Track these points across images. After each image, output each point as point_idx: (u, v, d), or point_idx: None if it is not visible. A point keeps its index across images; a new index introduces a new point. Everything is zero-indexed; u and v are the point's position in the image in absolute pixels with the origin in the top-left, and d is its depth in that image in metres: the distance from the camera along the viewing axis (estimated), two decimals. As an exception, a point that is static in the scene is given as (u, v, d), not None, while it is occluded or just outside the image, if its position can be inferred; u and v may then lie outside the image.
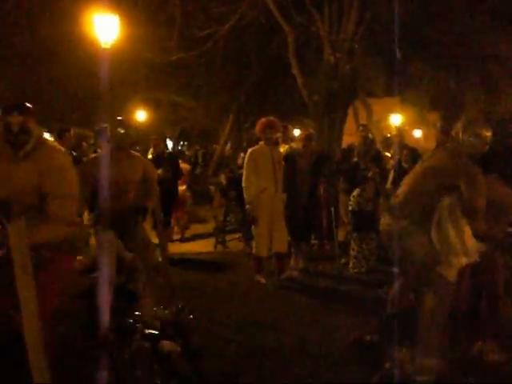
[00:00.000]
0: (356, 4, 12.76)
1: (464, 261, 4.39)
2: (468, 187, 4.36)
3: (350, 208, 8.14)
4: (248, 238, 9.12)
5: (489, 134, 4.60)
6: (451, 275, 4.40)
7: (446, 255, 4.38)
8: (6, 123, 3.84)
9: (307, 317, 6.05)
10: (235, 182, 9.53)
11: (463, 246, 4.36)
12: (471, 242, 4.40)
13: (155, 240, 6.69)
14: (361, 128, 9.07)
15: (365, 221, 7.95)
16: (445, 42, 19.19)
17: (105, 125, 6.13)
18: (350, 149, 9.05)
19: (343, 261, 8.38)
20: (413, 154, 8.04)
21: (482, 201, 4.36)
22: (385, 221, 4.83)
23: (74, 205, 3.97)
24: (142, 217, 5.79)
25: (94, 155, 6.24)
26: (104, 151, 5.54)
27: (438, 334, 4.43)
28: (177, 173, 9.32)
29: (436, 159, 4.68)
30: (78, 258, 4.63)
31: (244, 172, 7.43)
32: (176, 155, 11.80)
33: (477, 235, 4.48)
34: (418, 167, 4.84)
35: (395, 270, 5.57)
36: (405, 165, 7.93)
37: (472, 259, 4.42)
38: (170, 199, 8.76)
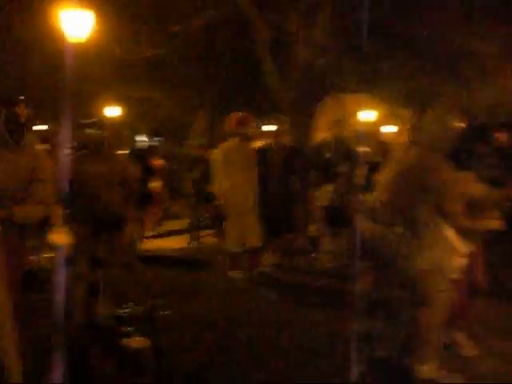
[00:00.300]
0: (328, 0, 12.81)
1: (463, 261, 4.39)
2: (441, 186, 4.26)
3: (322, 203, 8.18)
4: (221, 234, 9.14)
5: (458, 124, 4.56)
6: (446, 283, 4.32)
7: (446, 259, 4.32)
8: (12, 114, 3.96)
9: (280, 312, 6.07)
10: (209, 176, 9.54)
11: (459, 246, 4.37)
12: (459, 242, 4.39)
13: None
14: (334, 124, 9.09)
15: (336, 216, 8.00)
16: (416, 38, 19.38)
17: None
18: (323, 144, 9.09)
19: (315, 255, 8.43)
20: (384, 148, 8.11)
21: (456, 199, 4.27)
22: (368, 220, 4.69)
23: (50, 188, 4.22)
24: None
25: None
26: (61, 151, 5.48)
27: (437, 338, 4.40)
28: (146, 170, 9.26)
29: (409, 158, 4.55)
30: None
31: (215, 168, 7.41)
32: (145, 152, 11.72)
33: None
34: (394, 168, 4.69)
35: (367, 264, 5.62)
36: (377, 159, 8.00)
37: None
38: (140, 196, 8.71)
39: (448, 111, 4.95)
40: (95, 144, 5.61)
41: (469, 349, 4.82)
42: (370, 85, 21.65)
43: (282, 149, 8.19)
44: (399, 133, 13.95)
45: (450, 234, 4.37)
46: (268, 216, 7.93)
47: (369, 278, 5.20)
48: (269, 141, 8.41)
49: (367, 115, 22.26)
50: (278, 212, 8.08)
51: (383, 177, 4.73)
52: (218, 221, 9.00)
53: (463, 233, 4.42)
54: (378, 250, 4.58)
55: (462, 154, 4.72)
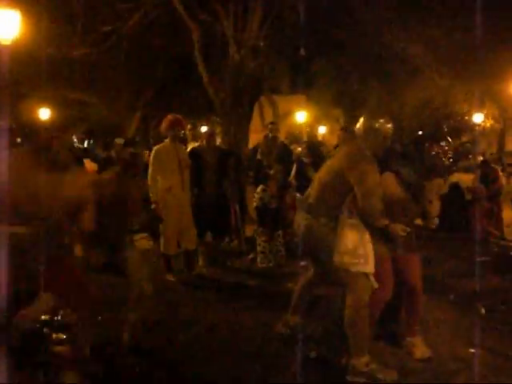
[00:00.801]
0: (260, 2, 12.91)
1: (347, 262, 4.41)
2: (358, 185, 4.41)
3: (255, 204, 8.25)
4: (156, 237, 9.09)
5: (389, 126, 4.66)
6: (368, 270, 4.42)
7: (364, 252, 4.42)
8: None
9: (217, 313, 6.08)
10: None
11: (347, 249, 4.42)
12: (362, 248, 4.44)
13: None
14: (269, 126, 9.14)
15: (269, 217, 8.09)
16: (347, 40, 19.75)
17: None
18: (256, 147, 9.14)
19: (251, 256, 8.48)
20: (314, 148, 8.26)
21: (374, 200, 4.38)
22: (302, 216, 4.77)
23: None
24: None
25: None
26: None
27: (364, 331, 4.45)
28: None
29: (338, 157, 4.72)
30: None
31: (149, 171, 7.35)
32: (79, 155, 11.52)
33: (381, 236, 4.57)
34: (325, 165, 4.87)
35: (303, 264, 5.70)
36: (305, 159, 8.15)
37: (365, 270, 4.42)
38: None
39: (378, 113, 5.08)
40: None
41: (422, 351, 4.87)
42: (304, 86, 21.99)
43: (215, 150, 8.22)
44: (330, 133, 14.23)
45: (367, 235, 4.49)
46: (203, 218, 7.95)
47: (303, 277, 5.27)
48: (202, 142, 8.41)
49: (301, 116, 22.56)
50: (213, 214, 8.11)
51: (317, 175, 4.88)
52: (152, 224, 8.94)
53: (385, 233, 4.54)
54: (307, 243, 4.69)
55: (390, 156, 4.84)
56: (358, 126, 4.79)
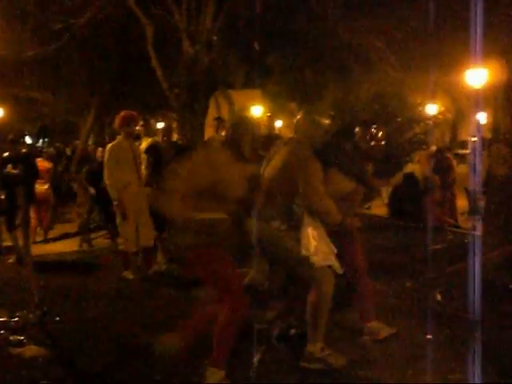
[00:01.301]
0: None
1: (316, 260, 4.44)
2: (304, 184, 4.47)
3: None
4: (114, 235, 9.04)
5: (327, 121, 4.80)
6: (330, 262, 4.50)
7: (320, 246, 4.47)
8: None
9: (178, 310, 6.07)
10: (93, 177, 9.42)
11: (313, 247, 4.45)
12: (323, 243, 4.49)
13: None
14: (214, 122, 9.05)
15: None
16: (301, 33, 19.83)
17: None
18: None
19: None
20: (271, 142, 8.27)
21: (318, 197, 4.46)
22: (251, 221, 4.63)
23: None
24: None
25: None
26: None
27: (324, 321, 4.54)
28: (32, 172, 8.97)
29: (281, 158, 4.71)
30: None
31: (106, 169, 7.26)
32: (31, 154, 11.34)
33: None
34: (268, 166, 4.84)
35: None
36: (263, 153, 8.17)
37: (326, 262, 4.48)
38: (26, 199, 8.45)
39: (321, 109, 5.17)
40: None
41: (384, 332, 5.01)
42: (259, 80, 22.01)
43: (170, 146, 8.20)
44: (287, 126, 14.28)
45: (319, 233, 4.53)
46: (162, 214, 7.92)
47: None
48: (156, 138, 8.39)
49: (257, 110, 22.57)
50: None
51: (265, 172, 4.85)
52: (110, 222, 8.90)
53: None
54: (263, 248, 4.68)
55: (329, 151, 4.89)
56: (297, 120, 4.87)
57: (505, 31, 6.48)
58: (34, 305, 5.70)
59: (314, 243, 4.44)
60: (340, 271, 4.55)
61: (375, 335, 5.01)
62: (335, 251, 4.53)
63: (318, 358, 4.52)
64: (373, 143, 6.95)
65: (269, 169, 4.79)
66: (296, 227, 4.52)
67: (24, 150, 9.77)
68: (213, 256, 4.19)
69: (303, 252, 4.43)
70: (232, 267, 4.24)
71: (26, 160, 8.94)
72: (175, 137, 9.07)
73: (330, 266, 4.51)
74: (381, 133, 8.79)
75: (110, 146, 7.45)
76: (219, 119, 9.14)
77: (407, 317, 5.62)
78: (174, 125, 13.80)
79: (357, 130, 5.61)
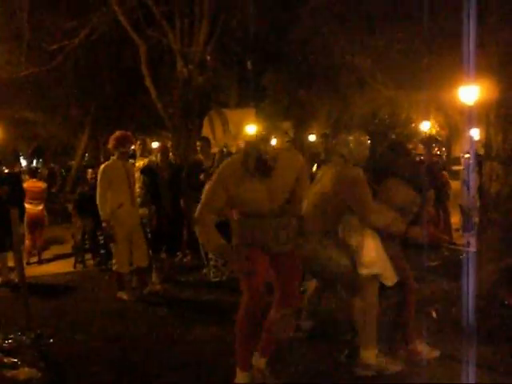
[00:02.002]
0: (206, 17, 12.99)
1: (365, 271, 4.57)
2: (356, 205, 4.58)
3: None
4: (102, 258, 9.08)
5: (367, 138, 4.86)
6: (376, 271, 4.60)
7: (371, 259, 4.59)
8: (262, 160, 4.08)
9: (173, 330, 6.04)
10: (86, 198, 9.44)
11: (362, 258, 4.57)
12: (372, 254, 4.59)
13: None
14: (198, 143, 8.88)
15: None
16: (295, 53, 19.96)
17: None
18: (196, 163, 8.74)
19: (204, 271, 8.44)
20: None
21: (373, 215, 4.56)
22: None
23: None
24: None
25: None
26: None
27: (374, 326, 4.63)
28: (17, 193, 8.94)
29: (329, 180, 4.76)
30: None
31: (98, 189, 7.24)
32: (17, 174, 11.28)
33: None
34: (313, 187, 4.87)
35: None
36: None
37: (373, 271, 4.59)
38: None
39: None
40: None
41: (428, 352, 4.98)
42: (253, 99, 22.09)
43: (167, 166, 8.21)
44: (281, 145, 14.30)
45: (368, 245, 4.63)
46: (161, 234, 7.94)
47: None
48: (154, 158, 8.39)
49: (251, 129, 22.60)
50: (170, 230, 8.11)
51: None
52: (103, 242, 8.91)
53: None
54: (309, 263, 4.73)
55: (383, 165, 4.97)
56: (340, 141, 4.86)
57: (495, 49, 6.53)
58: (27, 327, 5.67)
59: (372, 254, 4.56)
60: (391, 283, 4.65)
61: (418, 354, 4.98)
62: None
63: (372, 364, 4.59)
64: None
65: (315, 190, 4.84)
66: (342, 243, 4.66)
67: (7, 171, 9.70)
68: None
69: (347, 261, 4.56)
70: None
71: (10, 180, 8.94)
72: (170, 156, 9.07)
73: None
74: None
75: (103, 166, 7.44)
76: (204, 140, 8.94)
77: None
78: (169, 144, 13.81)
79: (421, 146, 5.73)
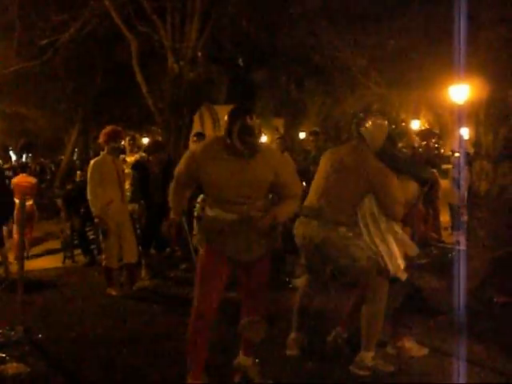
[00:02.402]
0: (198, 13, 12.96)
1: (401, 263, 4.58)
2: (384, 194, 4.53)
3: (196, 214, 8.19)
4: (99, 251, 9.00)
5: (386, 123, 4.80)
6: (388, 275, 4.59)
7: (388, 257, 4.55)
8: (247, 126, 3.88)
9: (163, 325, 6.04)
10: (75, 194, 9.41)
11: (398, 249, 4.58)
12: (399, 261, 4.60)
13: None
14: (194, 138, 8.97)
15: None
16: (285, 49, 19.94)
17: None
18: None
19: (183, 266, 8.44)
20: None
21: (399, 206, 4.55)
22: (311, 227, 4.69)
23: None
24: None
25: None
26: None
27: (379, 330, 4.66)
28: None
29: (351, 164, 4.64)
30: None
31: (89, 184, 7.21)
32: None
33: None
34: (331, 171, 4.74)
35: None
36: None
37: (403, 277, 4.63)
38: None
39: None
40: None
41: (417, 350, 5.02)
42: (244, 96, 22.09)
43: (159, 161, 8.18)
44: (271, 142, 14.31)
45: (399, 232, 4.65)
46: (151, 229, 7.92)
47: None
48: (143, 154, 8.37)
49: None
50: (159, 226, 8.07)
51: (319, 181, 4.83)
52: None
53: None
54: (323, 255, 4.71)
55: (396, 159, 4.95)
56: (364, 124, 4.72)
57: (485, 48, 6.56)
58: (16, 322, 5.64)
59: (393, 249, 4.55)
60: (404, 277, 4.64)
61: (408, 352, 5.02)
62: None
63: (369, 365, 4.61)
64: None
65: (333, 176, 4.72)
66: (360, 234, 4.59)
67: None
68: None
69: (367, 260, 4.53)
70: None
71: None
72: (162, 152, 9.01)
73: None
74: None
75: (93, 161, 7.40)
76: (200, 135, 8.99)
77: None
78: (160, 139, 13.79)
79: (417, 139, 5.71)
